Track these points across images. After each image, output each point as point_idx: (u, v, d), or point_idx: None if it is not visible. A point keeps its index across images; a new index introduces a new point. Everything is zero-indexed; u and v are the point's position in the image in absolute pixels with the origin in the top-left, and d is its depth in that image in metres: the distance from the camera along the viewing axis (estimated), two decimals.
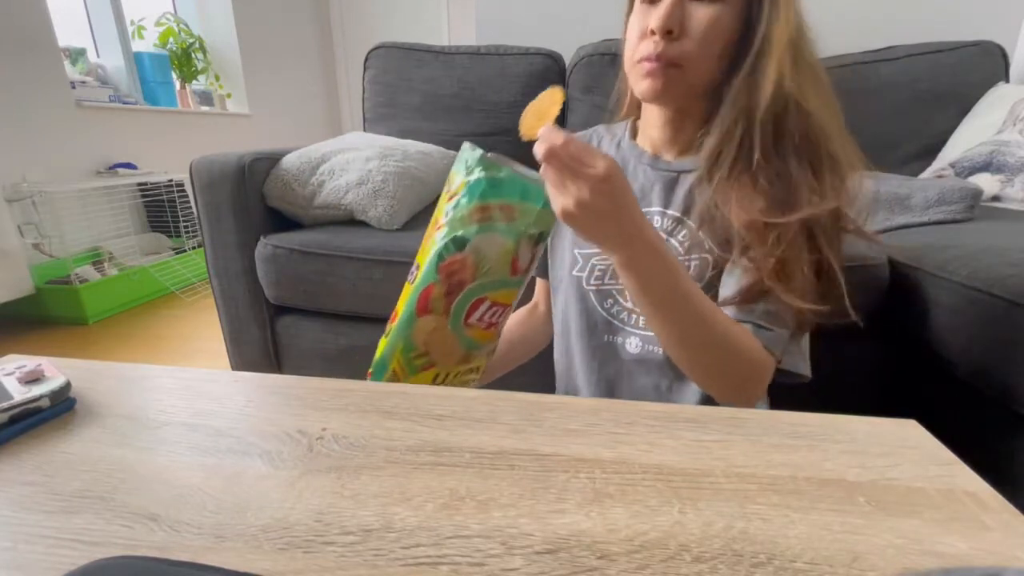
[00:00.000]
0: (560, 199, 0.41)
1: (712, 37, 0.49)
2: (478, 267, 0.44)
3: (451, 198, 0.45)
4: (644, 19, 0.51)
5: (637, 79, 0.53)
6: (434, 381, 0.49)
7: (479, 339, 0.48)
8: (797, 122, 0.49)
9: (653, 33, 0.50)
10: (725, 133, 0.51)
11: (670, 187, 0.57)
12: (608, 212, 0.41)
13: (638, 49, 0.52)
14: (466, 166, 0.45)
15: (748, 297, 0.49)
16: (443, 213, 0.46)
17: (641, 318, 0.57)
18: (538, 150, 0.40)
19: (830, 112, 0.51)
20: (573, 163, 0.40)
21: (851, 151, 0.51)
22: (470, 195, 0.44)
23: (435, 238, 0.46)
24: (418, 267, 0.47)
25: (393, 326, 0.48)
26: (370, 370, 0.50)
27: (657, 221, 0.57)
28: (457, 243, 0.44)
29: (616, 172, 0.41)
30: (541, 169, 0.42)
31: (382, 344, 0.49)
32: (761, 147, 0.49)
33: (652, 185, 0.58)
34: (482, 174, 0.43)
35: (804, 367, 0.53)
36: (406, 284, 0.49)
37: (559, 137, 0.40)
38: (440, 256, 0.44)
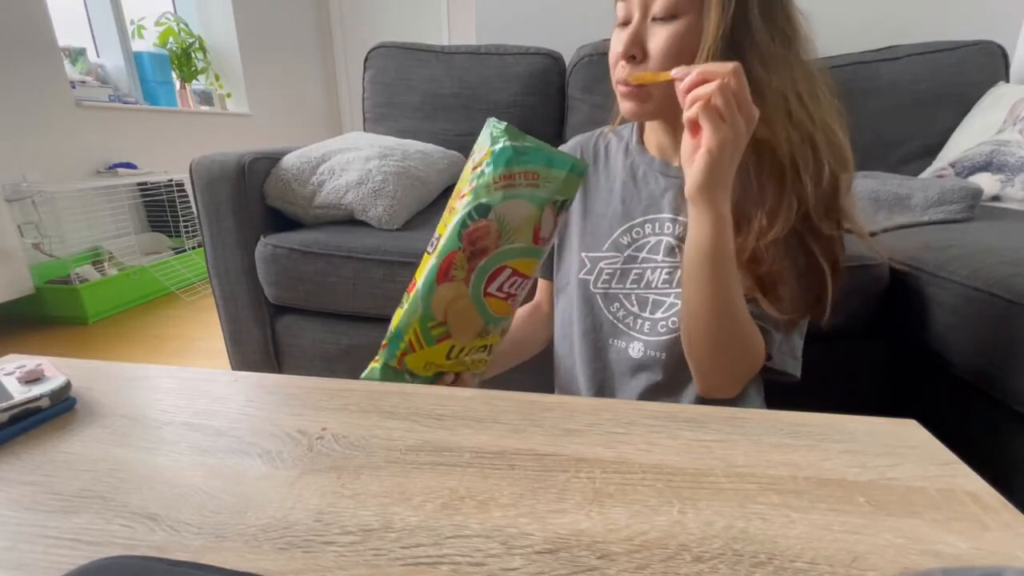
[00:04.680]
0: (723, 130, 0.40)
1: (672, 57, 0.48)
2: (501, 234, 0.45)
3: (475, 168, 0.46)
4: (617, 41, 0.53)
5: (620, 99, 0.55)
6: (448, 355, 0.49)
7: (497, 311, 0.48)
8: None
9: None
10: None
11: (680, 194, 0.57)
12: (739, 154, 0.42)
13: (614, 72, 0.54)
14: (491, 136, 0.46)
15: None
16: (467, 182, 0.46)
17: (646, 323, 0.57)
18: (698, 79, 0.41)
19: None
20: (741, 96, 0.40)
21: (828, 153, 0.48)
22: (495, 163, 0.44)
23: (458, 206, 0.46)
24: (439, 237, 0.47)
25: (411, 295, 0.48)
26: (384, 341, 0.50)
27: (669, 227, 0.57)
28: (481, 210, 0.44)
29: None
30: (692, 97, 0.41)
31: (397, 315, 0.49)
32: None
33: (664, 192, 0.58)
34: (507, 143, 0.44)
35: (792, 366, 0.54)
36: (424, 255, 0.49)
37: (729, 66, 0.40)
38: (463, 223, 0.45)
